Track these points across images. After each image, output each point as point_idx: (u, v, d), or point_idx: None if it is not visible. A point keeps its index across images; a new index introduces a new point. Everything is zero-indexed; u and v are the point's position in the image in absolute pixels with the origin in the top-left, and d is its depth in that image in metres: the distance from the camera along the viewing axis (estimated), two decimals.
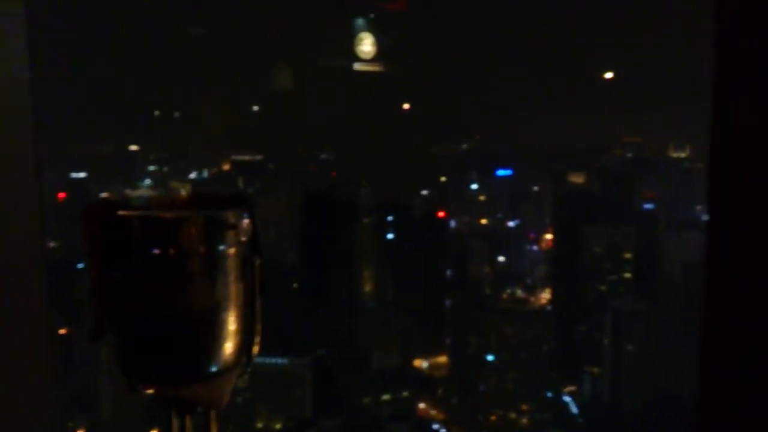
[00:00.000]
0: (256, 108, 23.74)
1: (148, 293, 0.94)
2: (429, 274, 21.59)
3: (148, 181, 22.14)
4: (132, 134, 22.77)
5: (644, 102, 22.02)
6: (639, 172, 20.89)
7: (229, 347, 0.98)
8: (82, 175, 21.71)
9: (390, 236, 21.92)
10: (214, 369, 0.97)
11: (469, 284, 21.98)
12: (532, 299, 22.09)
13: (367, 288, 22.06)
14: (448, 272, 22.30)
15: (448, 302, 22.06)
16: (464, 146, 22.56)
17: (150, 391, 0.96)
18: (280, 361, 19.05)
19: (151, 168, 22.88)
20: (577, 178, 20.73)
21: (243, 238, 0.96)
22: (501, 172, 22.45)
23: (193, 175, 23.25)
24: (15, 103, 1.46)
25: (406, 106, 21.56)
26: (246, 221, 0.96)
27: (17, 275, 1.45)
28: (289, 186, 22.64)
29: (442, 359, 21.67)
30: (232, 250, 0.97)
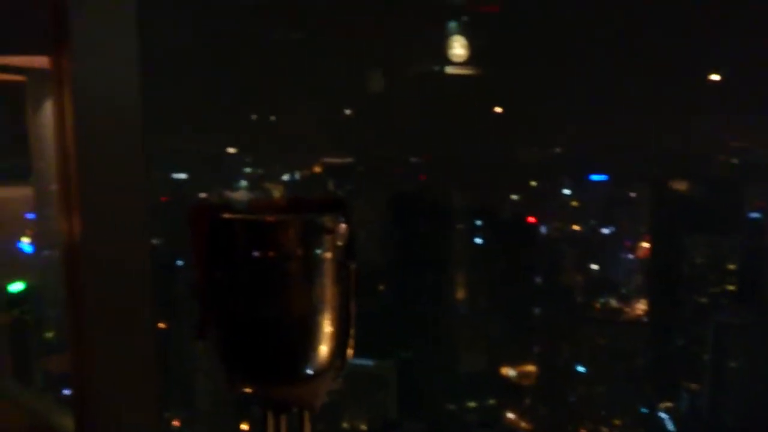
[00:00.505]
0: (348, 112, 24.05)
1: (249, 294, 0.96)
2: (518, 281, 21.21)
3: (244, 183, 22.87)
4: (230, 137, 23.53)
5: (752, 104, 20.95)
6: (746, 179, 19.88)
7: (324, 350, 0.98)
8: (183, 176, 22.65)
9: (478, 241, 21.69)
10: (309, 371, 0.98)
11: (560, 292, 21.44)
12: (627, 310, 21.36)
13: (455, 293, 21.92)
14: (538, 279, 21.83)
15: (537, 310, 21.59)
16: (557, 150, 22.10)
17: (248, 390, 0.98)
18: (366, 362, 19.18)
19: (247, 170, 23.61)
20: (679, 185, 19.91)
21: (340, 243, 0.97)
22: (595, 177, 21.83)
23: (285, 177, 23.86)
24: (127, 105, 1.52)
25: (498, 109, 21.29)
26: (343, 226, 0.97)
27: (125, 272, 1.51)
28: (378, 189, 22.82)
29: (531, 368, 21.24)
30: (328, 254, 0.98)
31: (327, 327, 1.00)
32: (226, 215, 0.96)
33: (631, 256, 21.70)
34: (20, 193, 2.65)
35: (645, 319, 20.82)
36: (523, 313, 21.40)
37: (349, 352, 1.05)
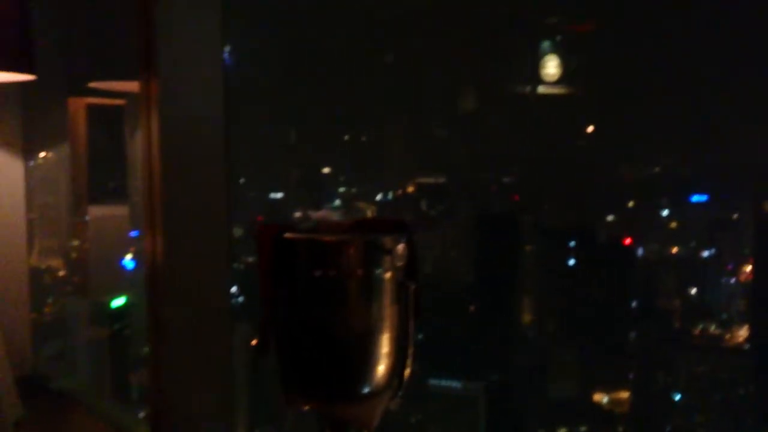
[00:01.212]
0: (442, 132, 24.15)
1: (309, 312, 0.99)
2: (613, 304, 20.61)
3: (337, 202, 23.32)
4: (325, 157, 24.06)
5: None
6: None
7: (381, 369, 1.00)
8: (279, 195, 23.36)
9: (572, 262, 21.21)
10: (366, 390, 1.00)
11: (658, 316, 20.67)
12: (728, 336, 20.33)
13: (547, 315, 21.49)
14: (634, 303, 21.13)
15: (633, 334, 20.89)
16: (655, 170, 21.41)
17: (305, 408, 1.01)
18: (454, 384, 19.04)
19: (341, 189, 24.06)
20: None
21: (399, 263, 0.99)
22: (696, 198, 21.01)
23: (379, 197, 24.16)
24: (211, 127, 1.60)
25: (590, 128, 20.87)
26: (401, 246, 0.99)
27: (205, 290, 1.57)
28: (471, 209, 22.73)
29: (624, 395, 20.52)
30: (388, 274, 1.00)
31: (385, 346, 1.02)
32: (289, 235, 1.00)
33: (732, 280, 20.66)
34: (120, 211, 2.83)
35: (747, 347, 19.74)
36: (617, 338, 20.75)
37: (407, 372, 1.06)
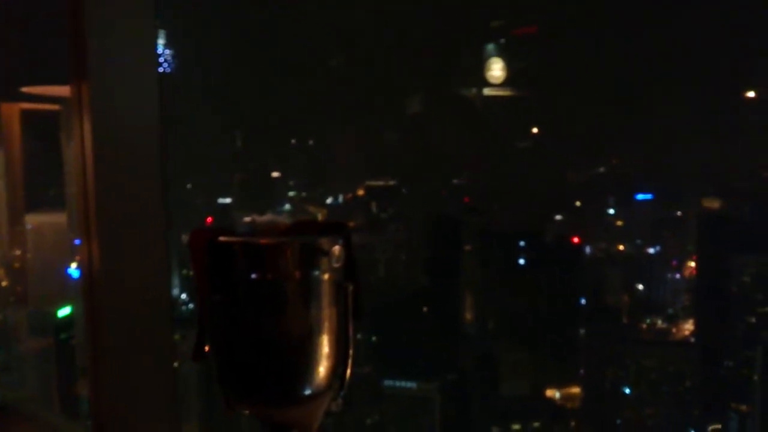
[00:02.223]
0: (389, 135, 24.21)
1: (247, 316, 0.97)
2: (562, 301, 20.94)
3: (287, 206, 23.14)
4: (274, 161, 23.87)
5: None
6: None
7: (321, 371, 0.99)
8: (227, 200, 23.05)
9: (522, 262, 21.49)
10: (306, 392, 0.99)
11: (606, 313, 21.07)
12: (674, 330, 20.87)
13: (498, 314, 21.72)
14: (583, 300, 21.51)
15: (582, 331, 21.25)
16: (600, 170, 21.85)
17: (246, 412, 0.99)
18: (409, 384, 19.09)
19: (291, 194, 23.89)
20: (712, 203, 19.45)
21: (336, 265, 0.98)
22: (640, 197, 21.50)
23: (329, 200, 24.08)
24: (145, 131, 1.56)
25: (534, 130, 21.21)
26: (338, 248, 0.98)
27: (144, 297, 1.54)
28: (421, 211, 22.82)
29: (576, 390, 20.87)
30: (326, 276, 0.99)
31: (325, 348, 1.01)
32: (223, 238, 0.98)
33: (678, 276, 21.22)
34: (60, 219, 2.74)
35: (692, 340, 20.29)
36: (568, 335, 21.09)
37: (348, 373, 1.05)
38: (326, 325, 1.00)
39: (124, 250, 1.52)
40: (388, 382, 19.48)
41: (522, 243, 21.34)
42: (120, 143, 1.52)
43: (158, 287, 1.55)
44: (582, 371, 20.97)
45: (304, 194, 24.15)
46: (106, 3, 1.47)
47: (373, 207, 23.13)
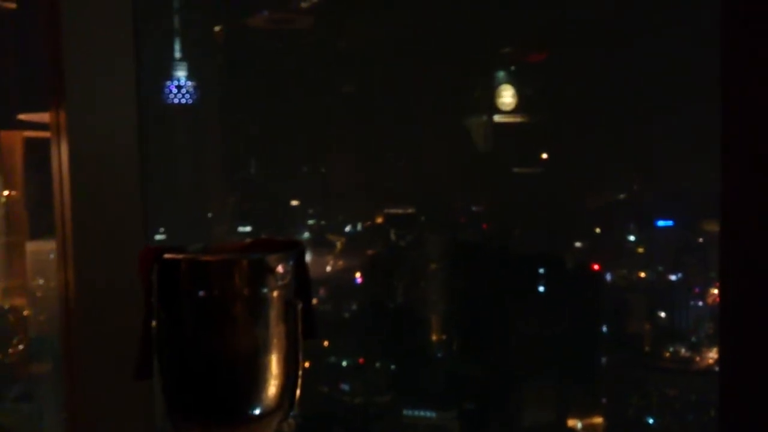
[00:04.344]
0: (405, 162, 24.29)
1: (193, 333, 0.98)
2: (584, 330, 20.69)
3: (306, 234, 23.19)
4: (291, 189, 24.00)
5: None
6: None
7: (271, 390, 1.00)
8: (247, 229, 23.18)
9: (541, 289, 21.33)
10: (255, 412, 0.99)
11: (628, 341, 20.78)
12: (698, 358, 20.48)
13: (519, 342, 21.50)
14: (605, 328, 21.25)
15: (604, 360, 20.96)
16: (620, 196, 21.70)
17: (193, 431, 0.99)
18: (427, 413, 18.90)
19: (310, 222, 23.96)
20: (712, 226, 19.15)
21: (282, 282, 0.99)
22: (661, 223, 21.31)
23: (348, 228, 24.09)
24: (125, 159, 1.59)
25: (544, 155, 21.18)
26: (284, 265, 0.99)
27: (120, 330, 1.54)
28: (440, 238, 22.77)
29: (598, 420, 20.52)
30: (274, 293, 1.00)
31: (273, 367, 1.01)
32: (169, 255, 0.99)
33: (700, 303, 20.89)
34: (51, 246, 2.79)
35: (716, 368, 19.84)
36: (590, 363, 20.81)
37: (298, 392, 1.05)
38: (275, 343, 1.01)
39: (102, 276, 1.53)
40: (407, 412, 19.31)
41: (542, 270, 21.20)
42: (98, 169, 1.54)
43: (137, 314, 1.56)
44: (604, 400, 20.65)
45: (323, 222, 24.21)
46: (84, 27, 1.50)
47: (392, 234, 23.11)
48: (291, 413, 1.02)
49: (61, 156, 1.49)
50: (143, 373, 0.95)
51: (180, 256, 0.98)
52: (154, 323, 0.98)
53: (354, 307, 22.88)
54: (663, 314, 21.16)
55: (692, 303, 21.08)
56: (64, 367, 1.53)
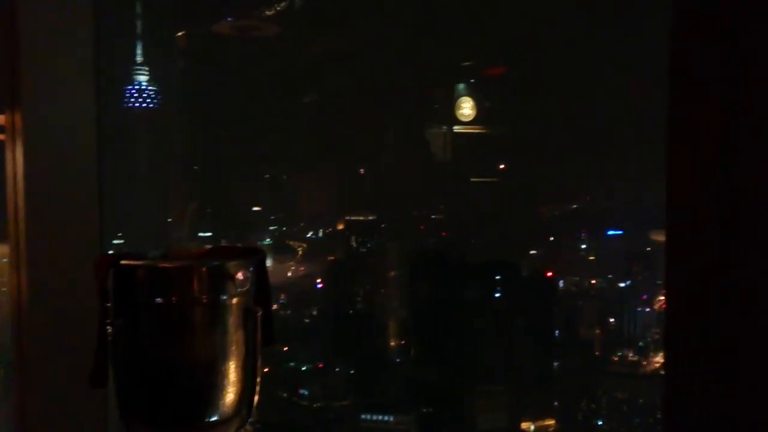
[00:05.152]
0: (363, 171, 24.36)
1: (150, 340, 0.97)
2: (537, 335, 21.00)
3: (268, 240, 23.03)
4: (254, 196, 23.82)
5: None
6: None
7: (228, 397, 0.99)
8: (208, 234, 22.92)
9: (497, 295, 21.58)
10: (213, 419, 0.98)
11: (579, 346, 21.17)
12: (645, 362, 20.96)
13: (474, 347, 21.69)
14: (557, 333, 21.62)
15: (556, 364, 21.30)
16: (573, 206, 22.14)
17: None
18: (385, 417, 18.92)
19: (272, 228, 23.79)
20: (659, 236, 19.71)
21: (241, 288, 0.98)
22: (611, 232, 21.81)
23: (309, 234, 24.01)
24: (81, 162, 1.56)
25: (501, 166, 21.52)
26: (243, 272, 0.99)
27: (74, 334, 1.52)
28: (400, 245, 22.86)
29: (550, 422, 20.83)
30: (234, 300, 0.99)
31: (231, 373, 1.01)
32: (126, 261, 0.99)
33: (647, 309, 21.39)
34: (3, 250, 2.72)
35: (662, 372, 20.30)
36: (543, 367, 21.12)
37: (256, 399, 1.05)
38: (233, 350, 1.00)
39: (56, 281, 1.51)
40: (365, 416, 19.30)
41: (498, 276, 21.44)
42: (54, 172, 1.52)
43: (92, 321, 1.54)
44: (556, 404, 20.98)
45: (284, 228, 24.10)
46: (43, 29, 1.48)
47: (353, 241, 23.11)
48: (249, 420, 1.02)
49: (15, 159, 1.46)
50: (99, 381, 0.94)
51: (137, 263, 0.97)
52: (109, 330, 0.97)
53: (314, 312, 22.80)
54: (612, 320, 21.61)
55: (640, 309, 21.57)
56: (15, 374, 1.50)
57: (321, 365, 20.79)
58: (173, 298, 0.98)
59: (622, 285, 21.65)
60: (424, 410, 19.90)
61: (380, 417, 19.09)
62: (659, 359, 20.61)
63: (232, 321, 1.01)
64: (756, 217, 1.17)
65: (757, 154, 1.17)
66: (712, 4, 1.18)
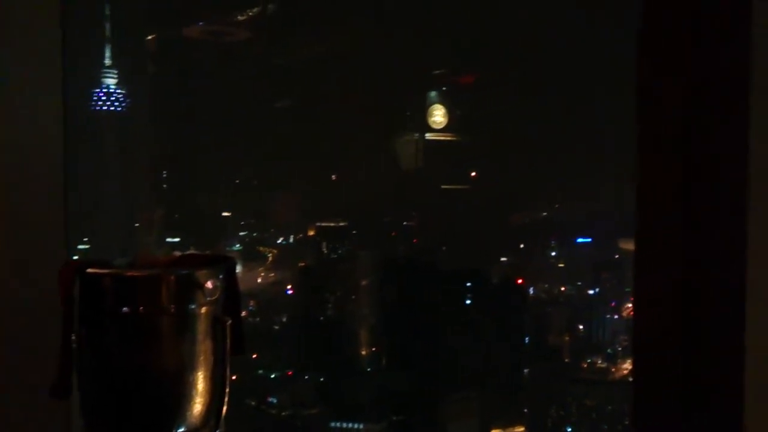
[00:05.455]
0: (334, 177, 24.34)
1: (116, 350, 0.96)
2: (508, 342, 21.13)
3: (238, 246, 22.84)
4: (223, 201, 23.64)
5: None
6: None
7: (196, 408, 0.98)
8: (176, 239, 22.65)
9: (468, 302, 21.68)
10: (180, 429, 0.97)
11: (549, 352, 21.34)
12: (613, 369, 21.21)
13: (445, 354, 21.74)
14: (527, 339, 21.76)
15: (526, 371, 21.43)
16: (543, 214, 22.33)
17: None
18: (355, 425, 18.86)
19: (242, 233, 23.60)
20: (628, 245, 20.05)
21: (210, 298, 0.98)
22: (580, 240, 22.05)
23: (280, 240, 23.87)
24: (48, 164, 1.54)
25: (473, 174, 21.70)
26: (212, 281, 0.98)
27: (37, 339, 1.49)
28: (372, 251, 22.84)
29: (520, 429, 20.95)
30: (202, 309, 0.98)
31: (199, 384, 1.00)
32: (92, 270, 0.97)
33: (616, 317, 21.66)
34: None
35: (630, 379, 20.56)
36: (512, 374, 21.24)
37: (224, 410, 1.04)
38: (201, 360, 1.00)
39: (18, 288, 1.48)
40: (334, 424, 19.22)
41: (469, 284, 21.54)
42: (18, 175, 1.49)
43: (55, 330, 1.51)
44: (526, 410, 21.10)
45: (255, 234, 23.92)
46: (7, 30, 1.45)
47: (324, 247, 23.05)
48: (217, 430, 1.01)
49: None
50: (61, 392, 0.92)
51: (104, 271, 0.96)
52: (74, 339, 0.95)
53: (284, 319, 22.68)
54: (581, 327, 21.82)
55: (609, 316, 21.82)
56: None
57: (290, 372, 20.68)
58: (140, 308, 0.98)
59: (591, 292, 21.90)
60: (395, 418, 19.88)
61: (350, 425, 19.05)
62: (627, 366, 20.89)
63: (201, 330, 1.01)
64: (718, 227, 1.20)
65: (719, 163, 1.20)
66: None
